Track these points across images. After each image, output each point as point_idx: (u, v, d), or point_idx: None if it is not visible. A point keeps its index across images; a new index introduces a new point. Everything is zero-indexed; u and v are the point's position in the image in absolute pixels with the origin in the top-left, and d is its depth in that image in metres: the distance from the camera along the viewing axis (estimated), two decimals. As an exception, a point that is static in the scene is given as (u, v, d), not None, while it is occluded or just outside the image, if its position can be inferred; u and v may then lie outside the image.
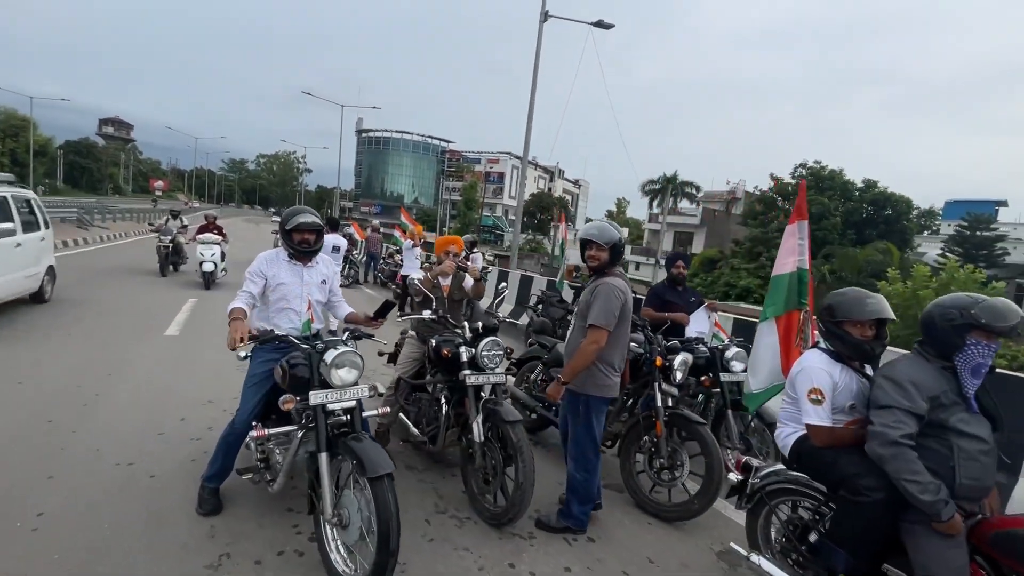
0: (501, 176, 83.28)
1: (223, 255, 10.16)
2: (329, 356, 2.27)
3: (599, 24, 11.26)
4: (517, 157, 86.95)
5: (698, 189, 46.86)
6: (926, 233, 36.38)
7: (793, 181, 33.39)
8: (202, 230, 10.11)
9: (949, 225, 40.39)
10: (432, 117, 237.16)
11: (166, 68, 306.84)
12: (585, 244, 2.82)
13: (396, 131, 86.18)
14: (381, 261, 13.97)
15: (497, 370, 2.97)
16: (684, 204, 46.35)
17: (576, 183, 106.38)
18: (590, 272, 2.91)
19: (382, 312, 2.76)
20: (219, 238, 9.99)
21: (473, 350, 2.94)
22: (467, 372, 2.90)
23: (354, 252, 13.20)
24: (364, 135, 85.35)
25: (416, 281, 3.44)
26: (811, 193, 30.38)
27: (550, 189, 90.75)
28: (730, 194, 42.96)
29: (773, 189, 33.91)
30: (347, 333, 2.56)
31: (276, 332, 2.48)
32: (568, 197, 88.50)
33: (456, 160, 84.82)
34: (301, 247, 2.71)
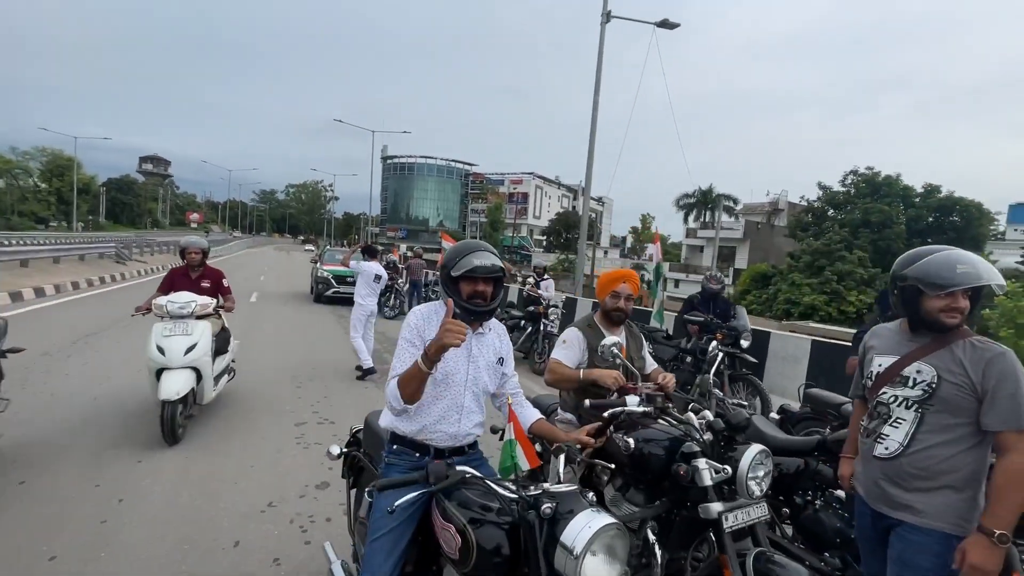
0: (525, 196, 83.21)
1: (220, 345, 4.39)
2: (572, 532, 1.19)
3: (663, 24, 10.30)
4: (541, 177, 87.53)
5: (736, 202, 45.25)
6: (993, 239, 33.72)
7: (844, 189, 31.54)
8: (173, 280, 4.62)
9: (1016, 230, 37.57)
10: (454, 141, 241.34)
11: (200, 105, 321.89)
12: (929, 287, 1.54)
13: (420, 156, 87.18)
14: (424, 288, 12.99)
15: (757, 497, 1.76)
16: (722, 218, 44.69)
17: (600, 200, 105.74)
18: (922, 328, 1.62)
19: (603, 428, 1.77)
20: (206, 302, 4.18)
21: (724, 468, 1.70)
22: (718, 506, 1.69)
23: (398, 281, 12.26)
24: (389, 161, 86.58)
25: (614, 348, 2.17)
26: (867, 201, 28.52)
27: (574, 207, 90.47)
28: (771, 205, 41.13)
29: (822, 199, 32.08)
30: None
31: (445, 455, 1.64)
32: (592, 215, 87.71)
33: (480, 182, 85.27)
34: (474, 304, 1.68)
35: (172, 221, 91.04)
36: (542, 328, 7.19)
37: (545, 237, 77.68)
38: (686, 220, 47.68)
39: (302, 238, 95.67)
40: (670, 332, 6.04)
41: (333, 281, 13.21)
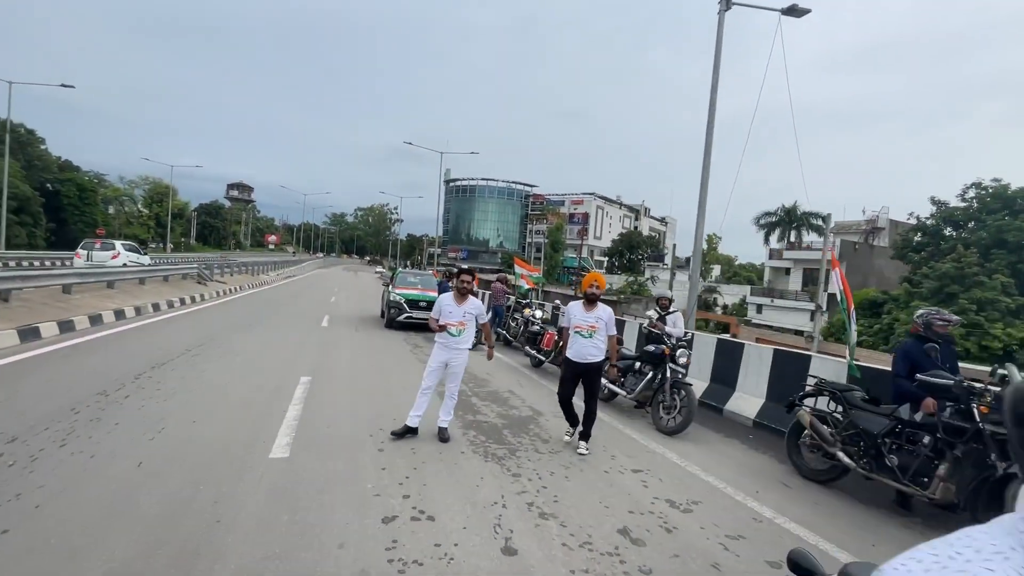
0: (585, 217, 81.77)
1: None
2: None
3: (791, 11, 8.77)
4: (602, 198, 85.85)
5: (825, 220, 41.34)
6: None
7: (963, 204, 27.61)
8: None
9: None
10: (515, 164, 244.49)
11: (280, 134, 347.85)
12: None
13: (481, 179, 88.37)
14: (506, 314, 11.83)
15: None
16: (810, 238, 40.97)
17: (663, 220, 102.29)
18: None
19: None
20: None
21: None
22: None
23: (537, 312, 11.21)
24: (452, 184, 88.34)
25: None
26: (999, 217, 24.65)
27: (636, 228, 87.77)
28: (870, 224, 37.09)
29: (937, 215, 28.26)
30: None
31: None
32: (655, 235, 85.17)
33: (540, 203, 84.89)
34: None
35: (252, 243, 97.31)
36: (668, 375, 5.73)
37: (607, 258, 75.51)
38: (767, 240, 44.18)
39: (368, 258, 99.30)
40: (870, 394, 4.40)
41: (406, 306, 12.38)
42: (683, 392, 5.54)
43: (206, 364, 6.80)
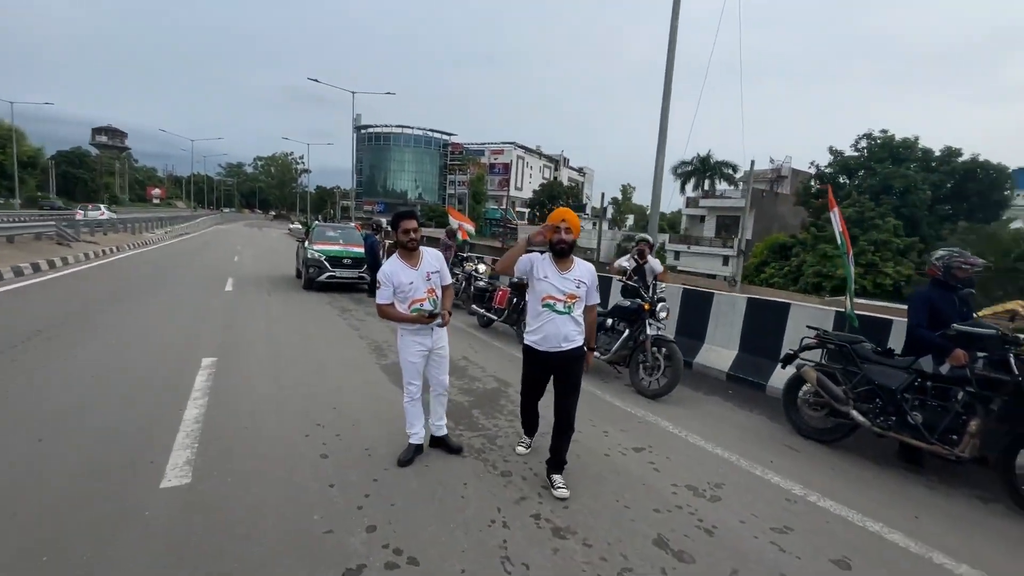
0: (506, 167, 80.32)
1: None
2: None
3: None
4: (522, 147, 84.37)
5: (735, 169, 43.54)
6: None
7: (856, 154, 29.96)
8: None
9: (1019, 195, 36.83)
10: (431, 111, 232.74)
11: (157, 74, 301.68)
12: None
13: (396, 126, 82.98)
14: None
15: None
16: (722, 187, 43.02)
17: (580, 171, 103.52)
18: None
19: None
20: None
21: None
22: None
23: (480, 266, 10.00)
24: (364, 131, 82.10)
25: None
26: (885, 165, 27.00)
27: (555, 178, 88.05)
28: (775, 172, 39.54)
29: (834, 164, 30.48)
30: None
31: None
32: (574, 185, 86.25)
33: (459, 153, 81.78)
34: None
35: (132, 197, 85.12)
36: (648, 332, 5.14)
37: (528, 209, 75.19)
38: (683, 190, 45.87)
39: (273, 213, 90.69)
40: (882, 346, 4.04)
41: (327, 264, 10.85)
42: (666, 350, 4.99)
43: (65, 352, 5.19)
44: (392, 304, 3.15)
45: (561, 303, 2.95)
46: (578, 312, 3.01)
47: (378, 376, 5.08)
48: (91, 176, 74.03)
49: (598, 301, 3.15)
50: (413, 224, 3.14)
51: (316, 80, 27.29)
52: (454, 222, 12.15)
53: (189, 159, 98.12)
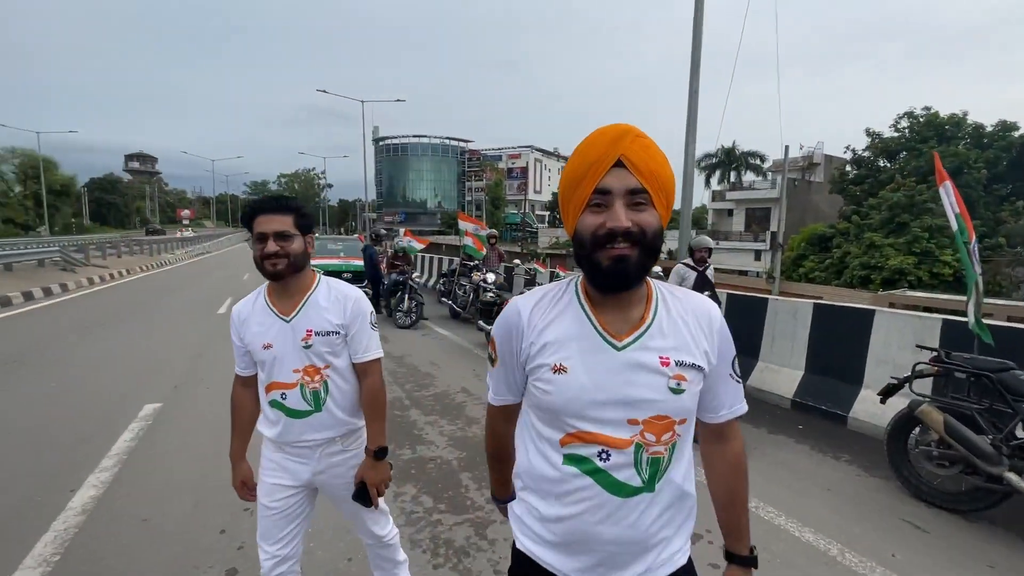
0: (524, 171, 79.47)
1: None
2: None
3: None
4: (539, 150, 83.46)
5: (762, 159, 41.55)
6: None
7: (896, 135, 27.83)
8: None
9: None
10: (447, 119, 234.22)
11: (181, 97, 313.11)
12: None
13: (413, 136, 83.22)
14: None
15: None
16: (749, 177, 41.06)
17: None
18: None
19: None
20: None
21: None
22: None
23: (413, 275, 9.03)
24: (381, 143, 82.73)
25: None
26: (931, 144, 24.89)
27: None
28: (806, 160, 37.37)
29: (873, 147, 28.40)
30: None
31: None
32: None
33: (476, 159, 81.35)
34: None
35: (163, 219, 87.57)
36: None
37: (548, 212, 74.04)
38: (708, 183, 44.01)
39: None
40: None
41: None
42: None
43: (-13, 400, 4.36)
44: (245, 382, 1.62)
45: (623, 448, 0.89)
46: (680, 471, 0.95)
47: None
48: (123, 201, 76.33)
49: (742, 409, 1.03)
50: (276, 225, 1.45)
51: (325, 91, 26.88)
52: (464, 226, 11.19)
53: (213, 179, 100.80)
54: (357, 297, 1.61)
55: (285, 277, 1.48)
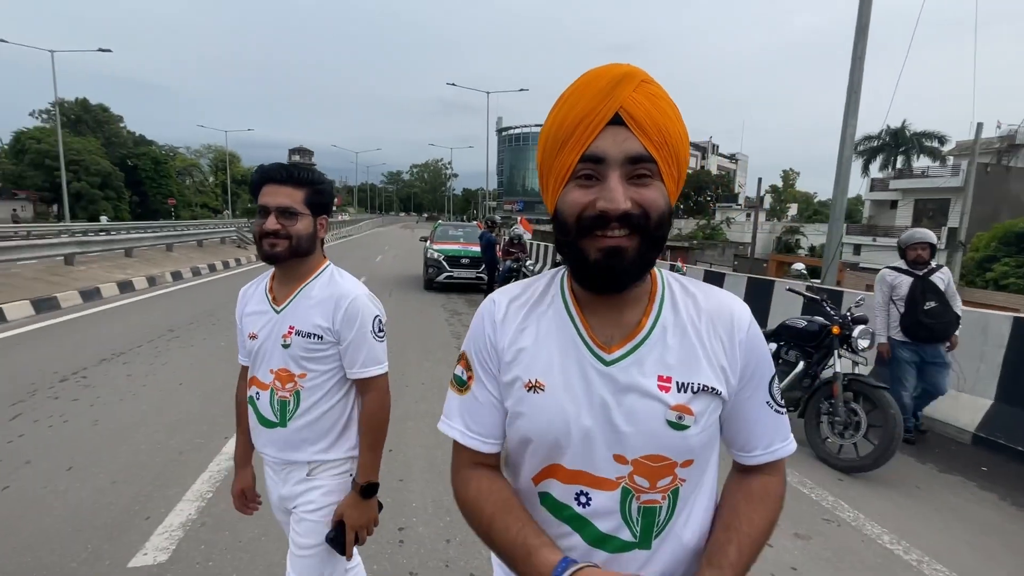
0: (648, 159, 75.93)
1: None
2: None
3: None
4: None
5: (942, 141, 34.77)
6: None
7: None
8: None
9: None
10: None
11: (333, 96, 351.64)
12: None
13: (535, 125, 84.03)
14: None
15: None
16: (921, 163, 34.73)
17: (732, 158, 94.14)
18: None
19: None
20: None
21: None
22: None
23: (527, 263, 9.10)
24: (504, 133, 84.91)
25: None
26: None
27: (703, 166, 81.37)
28: (1004, 141, 30.45)
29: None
30: None
31: None
32: (723, 173, 78.84)
33: (597, 147, 79.89)
34: None
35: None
36: (838, 369, 3.42)
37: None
38: (866, 170, 38.10)
39: (425, 215, 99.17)
40: None
41: (445, 264, 10.52)
42: (870, 400, 3.23)
43: (173, 354, 5.26)
44: (245, 374, 1.44)
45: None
46: (691, 527, 0.73)
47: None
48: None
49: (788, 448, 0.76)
50: (283, 199, 1.24)
51: (454, 84, 28.17)
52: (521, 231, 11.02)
53: (356, 170, 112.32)
54: (355, 297, 1.29)
55: (283, 261, 1.26)
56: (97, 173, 38.59)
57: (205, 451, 3.18)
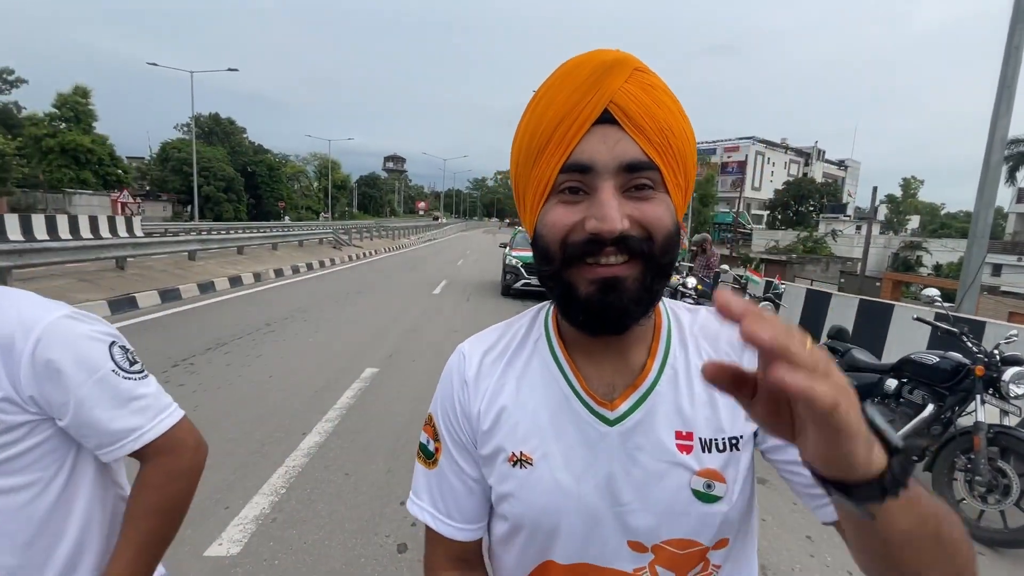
0: (741, 165, 71.40)
1: None
2: None
3: None
4: (762, 142, 73.93)
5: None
6: None
7: None
8: None
9: None
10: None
11: (426, 105, 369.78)
12: None
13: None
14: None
15: None
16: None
17: (841, 164, 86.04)
18: None
19: None
20: None
21: None
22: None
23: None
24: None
25: None
26: None
27: (806, 174, 75.24)
28: None
29: None
30: None
31: None
32: (830, 181, 72.40)
33: (688, 153, 76.36)
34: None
35: (405, 210, 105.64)
36: (981, 418, 2.84)
37: (767, 212, 65.33)
38: (1012, 178, 32.93)
39: (507, 221, 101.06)
40: None
41: (523, 271, 10.48)
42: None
43: (267, 347, 5.65)
44: None
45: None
46: None
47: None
48: (379, 195, 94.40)
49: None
50: None
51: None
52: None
53: (444, 177, 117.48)
54: (47, 326, 0.66)
55: None
56: (223, 179, 43.67)
57: (284, 444, 3.32)
